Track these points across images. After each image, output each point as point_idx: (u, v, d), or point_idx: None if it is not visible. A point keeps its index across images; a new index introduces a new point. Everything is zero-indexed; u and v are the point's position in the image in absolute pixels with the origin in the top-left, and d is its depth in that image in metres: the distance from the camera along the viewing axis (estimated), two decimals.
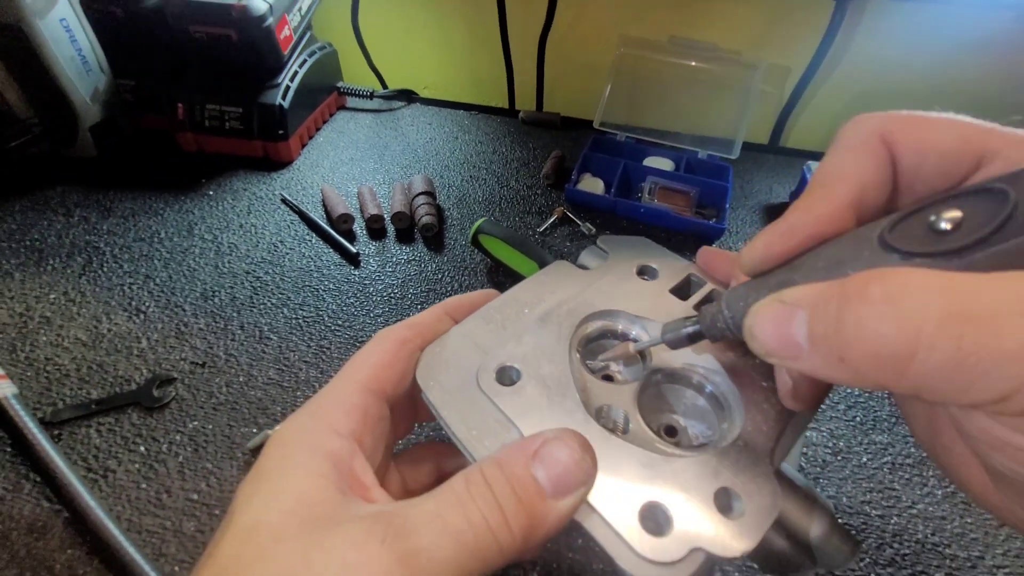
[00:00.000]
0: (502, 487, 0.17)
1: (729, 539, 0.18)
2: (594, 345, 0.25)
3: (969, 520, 0.37)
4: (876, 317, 0.12)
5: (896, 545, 0.35)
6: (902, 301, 0.12)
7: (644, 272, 0.27)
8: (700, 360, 0.23)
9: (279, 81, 0.64)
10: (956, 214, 0.14)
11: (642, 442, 0.20)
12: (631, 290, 0.25)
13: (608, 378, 0.24)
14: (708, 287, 0.25)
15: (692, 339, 0.21)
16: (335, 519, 0.16)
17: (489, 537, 0.16)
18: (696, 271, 0.26)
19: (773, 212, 0.63)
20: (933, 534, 0.36)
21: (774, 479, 0.19)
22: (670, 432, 0.23)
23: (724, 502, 0.19)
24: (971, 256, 0.13)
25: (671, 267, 0.27)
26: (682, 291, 0.26)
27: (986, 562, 0.35)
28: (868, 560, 0.34)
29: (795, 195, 0.64)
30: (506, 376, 0.21)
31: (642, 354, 0.24)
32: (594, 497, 0.18)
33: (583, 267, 0.27)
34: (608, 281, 0.26)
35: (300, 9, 0.66)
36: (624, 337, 0.25)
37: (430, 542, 0.15)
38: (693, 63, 0.68)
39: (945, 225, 0.14)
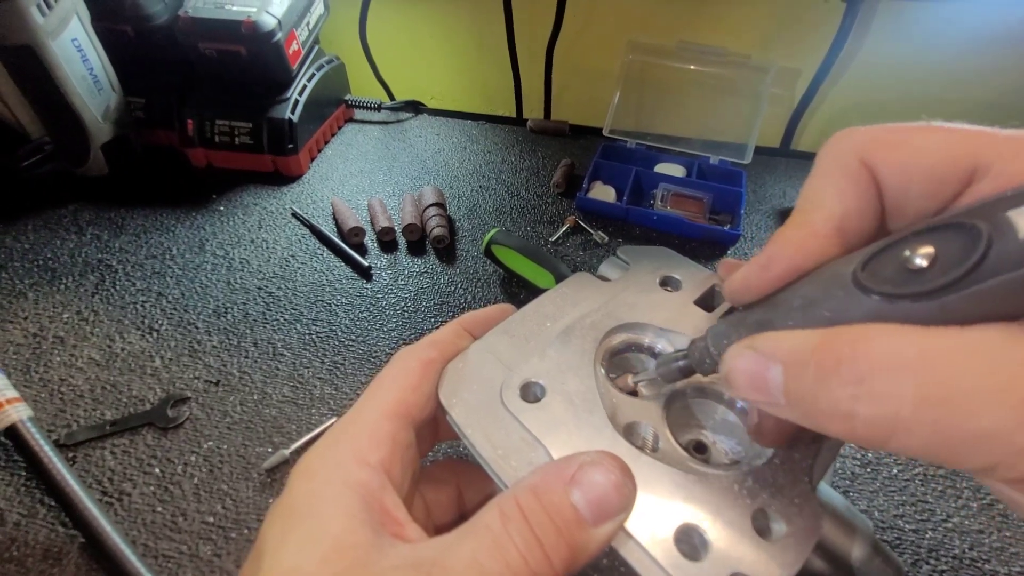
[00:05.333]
0: (540, 519, 0.16)
1: (769, 563, 0.17)
2: (619, 359, 0.24)
3: (1008, 534, 0.35)
4: (850, 399, 0.12)
5: (933, 561, 0.34)
6: (874, 384, 0.12)
7: (667, 283, 0.26)
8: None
9: (288, 95, 0.64)
10: (929, 250, 0.13)
11: (672, 460, 0.20)
12: (655, 302, 0.25)
13: (634, 393, 0.23)
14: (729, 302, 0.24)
15: (684, 373, 0.21)
16: (371, 567, 0.15)
17: (528, 574, 0.15)
18: (720, 282, 0.25)
19: (788, 216, 0.62)
20: (971, 548, 0.35)
21: (815, 499, 0.19)
22: (699, 448, 0.22)
23: (762, 524, 0.18)
24: (944, 298, 0.13)
25: (694, 277, 0.26)
26: (706, 302, 0.25)
27: None
28: None
29: None
30: (530, 392, 0.21)
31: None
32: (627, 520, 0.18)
33: (604, 278, 0.27)
34: (631, 293, 0.25)
35: (308, 24, 0.66)
36: (650, 351, 0.25)
37: None
38: (702, 68, 0.67)
39: (919, 262, 0.13)
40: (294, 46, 0.63)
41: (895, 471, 0.39)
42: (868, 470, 0.39)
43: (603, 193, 0.62)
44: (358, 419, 0.19)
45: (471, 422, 0.20)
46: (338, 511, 0.17)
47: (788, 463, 0.19)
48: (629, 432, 0.21)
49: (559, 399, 0.21)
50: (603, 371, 0.23)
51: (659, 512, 0.18)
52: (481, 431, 0.20)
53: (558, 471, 0.17)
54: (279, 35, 0.60)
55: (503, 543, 0.15)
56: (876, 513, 0.36)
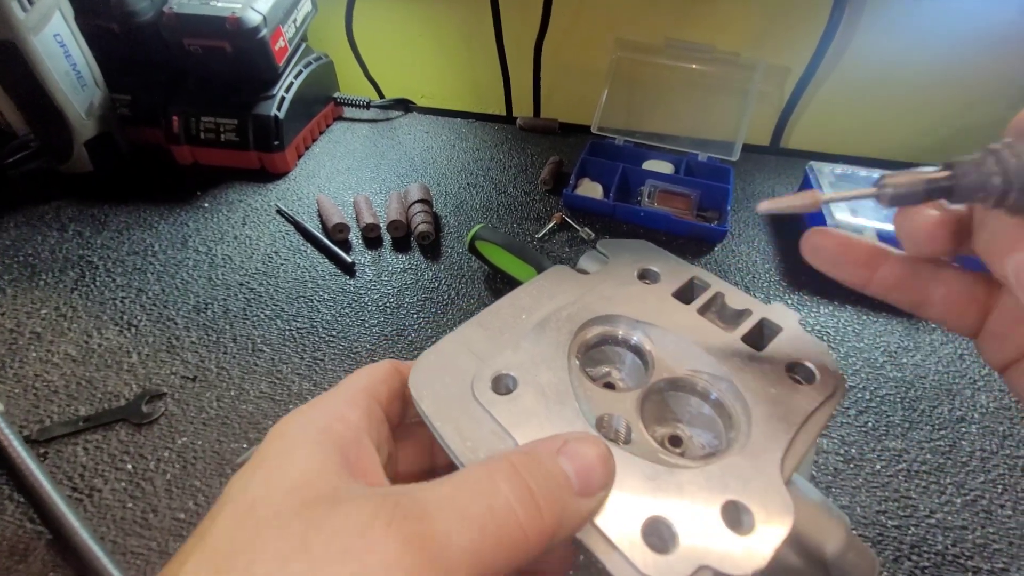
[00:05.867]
0: (534, 472, 0.15)
1: (739, 556, 0.16)
2: (595, 352, 0.24)
3: (992, 530, 0.35)
4: None
5: (915, 557, 0.34)
6: None
7: (646, 276, 0.26)
8: (705, 366, 0.22)
9: (274, 92, 0.63)
10: None
11: (645, 453, 0.19)
12: (632, 294, 0.25)
13: (610, 386, 0.23)
14: (712, 290, 0.25)
15: (933, 195, 0.17)
16: (337, 499, 0.14)
17: (515, 524, 0.14)
18: (699, 274, 0.25)
19: (776, 215, 0.61)
20: (954, 545, 0.34)
21: (785, 491, 0.18)
22: (674, 442, 0.21)
23: (733, 516, 0.17)
24: None
25: (673, 270, 0.26)
26: (685, 295, 0.25)
27: (1012, 574, 0.33)
28: (886, 574, 0.33)
29: None
30: (502, 385, 0.21)
31: (643, 359, 0.23)
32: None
33: (583, 271, 0.27)
34: (609, 286, 0.25)
35: (295, 21, 0.66)
36: (625, 343, 0.24)
37: (446, 526, 0.14)
38: (691, 65, 0.67)
39: None
40: (280, 43, 0.63)
41: (878, 467, 0.38)
42: (851, 466, 0.38)
43: (590, 190, 0.61)
44: (332, 393, 0.19)
45: (441, 413, 0.20)
46: (310, 453, 0.16)
47: (761, 455, 0.19)
48: (601, 424, 0.21)
49: (531, 391, 0.20)
50: (578, 363, 0.22)
51: (628, 505, 0.17)
52: (451, 423, 0.20)
53: (547, 442, 0.17)
54: (264, 31, 0.59)
55: (488, 488, 0.15)
56: (858, 509, 0.36)
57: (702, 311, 0.24)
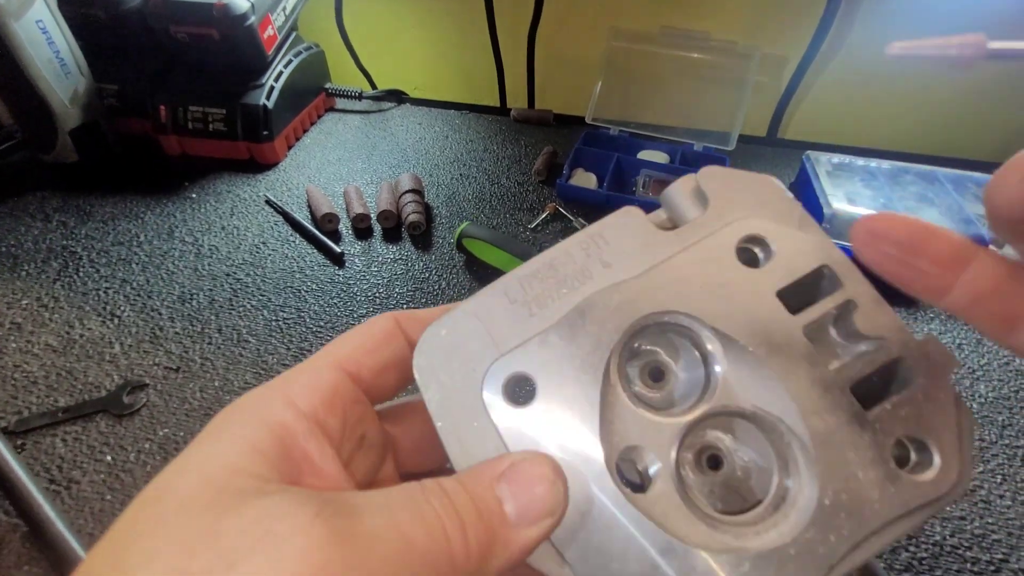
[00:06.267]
0: (462, 499, 0.14)
1: None
2: (644, 351, 0.18)
3: (990, 521, 0.34)
4: None
5: (912, 548, 0.33)
6: None
7: (751, 249, 0.18)
8: (781, 412, 0.16)
9: (263, 81, 0.62)
10: None
11: (665, 508, 0.16)
12: (720, 281, 0.17)
13: (657, 375, 0.18)
14: (842, 295, 0.17)
15: None
16: (261, 491, 0.13)
17: (442, 544, 0.13)
18: (833, 264, 0.17)
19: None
20: (952, 535, 0.33)
21: None
22: (713, 463, 0.17)
23: None
24: None
25: (797, 246, 0.17)
26: (798, 293, 0.17)
27: (1011, 565, 0.32)
28: (883, 564, 0.32)
29: (794, 188, 0.62)
30: (517, 389, 0.17)
31: (708, 375, 0.18)
32: (578, 559, 0.15)
33: (666, 225, 0.19)
34: (691, 258, 0.17)
35: (284, 9, 0.65)
36: (693, 342, 0.18)
37: (374, 529, 0.13)
38: (686, 54, 0.66)
39: None
40: (269, 31, 0.62)
41: None
42: None
43: (584, 180, 0.61)
44: (303, 367, 0.17)
45: (444, 412, 0.17)
46: (241, 442, 0.14)
47: (803, 557, 0.15)
48: (626, 457, 0.17)
49: (548, 408, 0.16)
50: (618, 371, 0.17)
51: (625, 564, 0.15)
52: (453, 426, 0.17)
53: (488, 466, 0.16)
54: (252, 18, 0.58)
55: (420, 503, 0.14)
56: None
57: (813, 330, 0.17)
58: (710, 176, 0.18)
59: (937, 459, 0.15)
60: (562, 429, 0.16)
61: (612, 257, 0.18)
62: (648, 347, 0.18)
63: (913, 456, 0.16)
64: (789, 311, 0.17)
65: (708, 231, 0.18)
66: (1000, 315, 0.14)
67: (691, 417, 0.17)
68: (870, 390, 0.16)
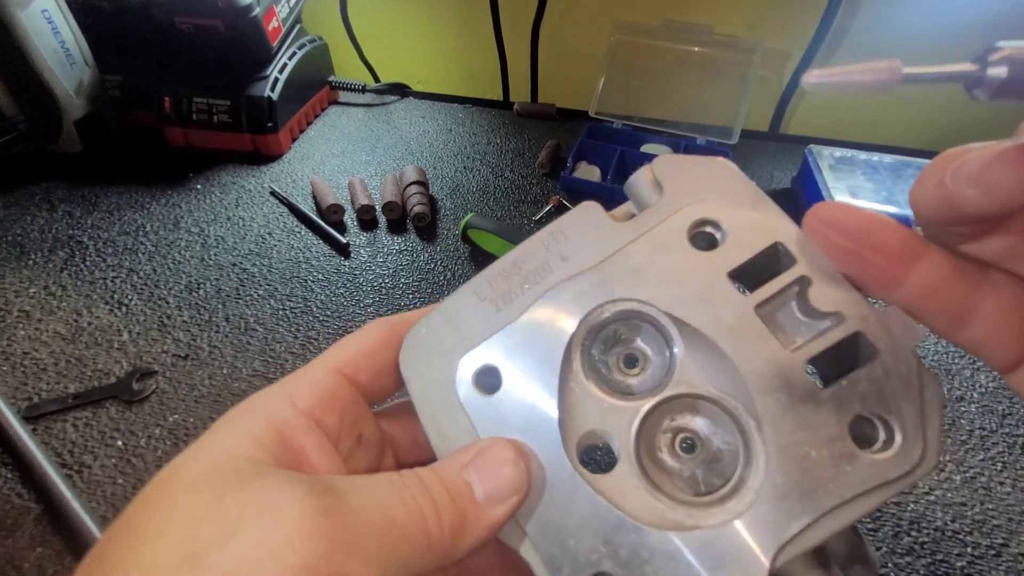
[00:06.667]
0: (435, 485, 0.16)
1: None
2: (607, 334, 0.19)
3: (991, 507, 0.35)
4: None
5: (914, 533, 0.33)
6: None
7: (704, 232, 0.18)
8: (735, 393, 0.17)
9: (267, 73, 0.63)
10: None
11: (624, 489, 0.17)
12: (672, 266, 0.17)
13: (632, 361, 0.19)
14: (796, 272, 0.16)
15: None
16: (259, 473, 0.14)
17: (419, 523, 0.15)
18: (787, 241, 0.17)
19: (776, 199, 0.61)
20: (953, 521, 0.34)
21: None
22: (687, 447, 0.18)
23: None
24: None
25: (748, 224, 0.17)
26: (752, 272, 0.17)
27: (1011, 550, 0.33)
28: (885, 549, 0.32)
29: (796, 181, 0.62)
30: (486, 381, 0.18)
31: (670, 357, 0.18)
32: (538, 534, 0.17)
33: (618, 216, 0.19)
34: (644, 246, 0.18)
35: (288, 1, 0.65)
36: (654, 325, 0.18)
37: (360, 505, 0.14)
38: (689, 48, 0.66)
39: None
40: (274, 23, 0.62)
41: None
42: None
43: (588, 173, 0.61)
44: (304, 370, 0.19)
45: (424, 404, 0.19)
46: (242, 433, 0.16)
47: (754, 533, 0.15)
48: (587, 440, 0.18)
49: (512, 396, 0.18)
50: (581, 357, 0.18)
51: (575, 550, 0.16)
52: (432, 415, 0.18)
53: (457, 456, 0.17)
54: (257, 10, 0.58)
55: (399, 486, 0.15)
56: None
57: (771, 309, 0.17)
58: (664, 164, 0.18)
59: (899, 436, 0.15)
60: (526, 414, 0.17)
61: (570, 251, 0.18)
62: (625, 334, 0.19)
63: (877, 434, 0.15)
64: (749, 290, 0.17)
65: (661, 217, 0.18)
66: (948, 312, 0.14)
67: (651, 402, 0.17)
68: (841, 368, 0.16)
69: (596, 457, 0.18)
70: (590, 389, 0.18)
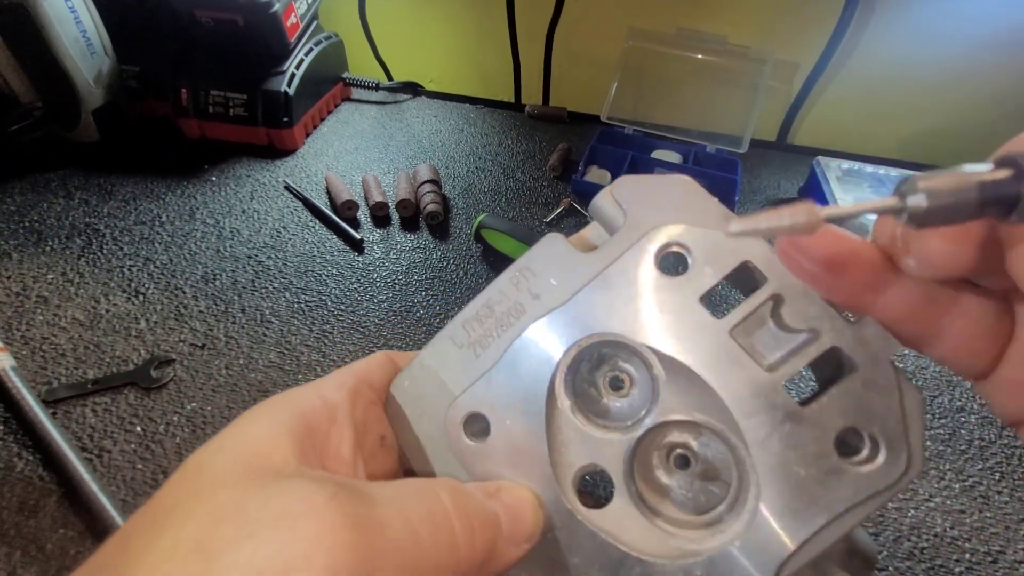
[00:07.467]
0: (474, 503, 0.16)
1: None
2: (592, 357, 0.19)
3: (989, 515, 0.36)
4: None
5: (914, 538, 0.34)
6: None
7: (670, 256, 0.17)
8: (718, 419, 0.17)
9: (284, 68, 0.63)
10: None
11: (622, 520, 0.17)
12: (645, 294, 0.17)
13: (618, 384, 0.19)
14: (768, 290, 0.16)
15: (990, 207, 0.12)
16: (283, 472, 0.14)
17: (448, 540, 0.14)
18: (756, 260, 0.16)
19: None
20: (952, 528, 0.35)
21: None
22: (682, 463, 0.18)
23: None
24: None
25: (715, 245, 0.17)
26: (733, 283, 0.18)
27: (1007, 556, 0.33)
28: (886, 553, 0.33)
29: (803, 192, 0.63)
30: (475, 427, 0.18)
31: (653, 384, 0.18)
32: (545, 574, 0.17)
33: (582, 247, 0.19)
34: (613, 278, 0.18)
35: None
36: (634, 356, 0.18)
37: (386, 516, 0.14)
38: (701, 56, 0.67)
39: None
40: (292, 18, 0.63)
41: None
42: None
43: (599, 177, 0.62)
44: (324, 377, 0.19)
45: (416, 454, 0.19)
46: (269, 423, 0.16)
47: (755, 556, 0.16)
48: (583, 476, 0.18)
49: (502, 440, 0.18)
50: (566, 396, 0.18)
51: None
52: (424, 465, 0.19)
53: (480, 486, 0.17)
54: (277, 6, 0.59)
55: (430, 496, 0.15)
56: None
57: (746, 330, 0.17)
58: (624, 187, 0.18)
59: (883, 447, 0.15)
60: (518, 457, 0.18)
61: (540, 288, 0.18)
62: (610, 353, 0.19)
63: (863, 445, 0.15)
64: (744, 294, 0.17)
65: (626, 245, 0.18)
66: (915, 333, 0.14)
67: (638, 433, 0.17)
68: (822, 378, 0.17)
69: (591, 485, 0.19)
70: (578, 425, 0.18)
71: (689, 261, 0.17)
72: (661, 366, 0.17)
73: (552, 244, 0.19)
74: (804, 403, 0.16)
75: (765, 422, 0.16)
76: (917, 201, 0.12)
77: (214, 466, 0.15)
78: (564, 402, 0.18)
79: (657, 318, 0.17)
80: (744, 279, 0.17)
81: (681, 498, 0.18)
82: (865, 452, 0.15)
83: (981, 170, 0.12)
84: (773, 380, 0.16)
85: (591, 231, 0.20)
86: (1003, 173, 0.11)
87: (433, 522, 0.14)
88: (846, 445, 0.16)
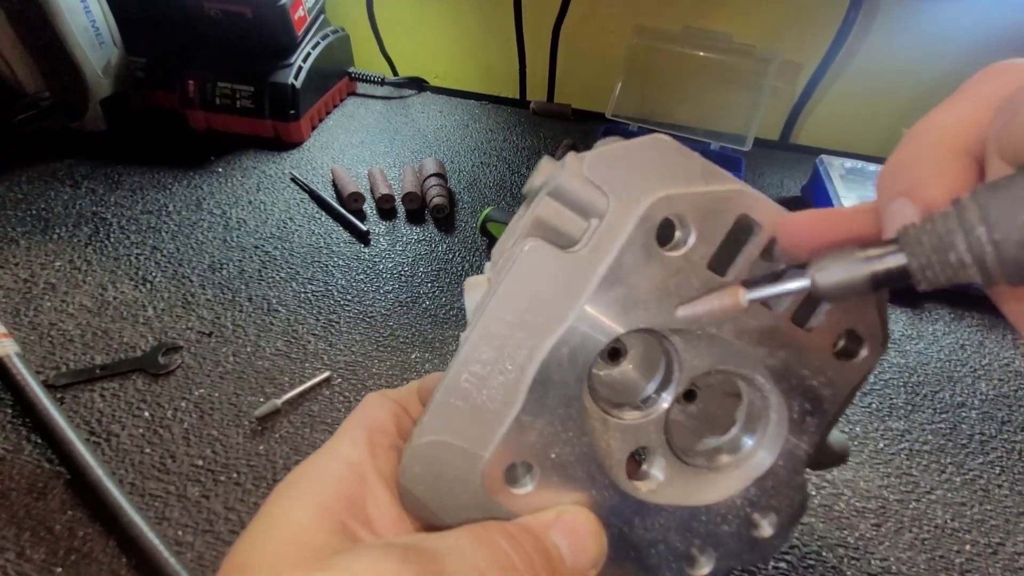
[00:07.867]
0: (529, 541, 0.16)
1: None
2: (603, 370, 0.21)
3: (989, 507, 0.36)
4: None
5: (915, 529, 0.35)
6: None
7: (671, 232, 0.17)
8: (735, 363, 0.18)
9: (291, 61, 0.63)
10: None
11: (676, 483, 0.19)
12: (652, 282, 0.17)
13: (628, 394, 0.20)
14: (764, 235, 0.17)
15: (881, 284, 0.13)
16: (340, 548, 0.14)
17: None
18: (748, 210, 0.17)
19: (786, 206, 0.62)
20: (952, 519, 0.35)
21: (804, 490, 0.20)
22: (689, 395, 0.21)
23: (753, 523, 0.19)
24: None
25: (708, 205, 0.17)
26: (732, 250, 0.17)
27: (1007, 548, 0.34)
28: (887, 544, 0.34)
29: (807, 189, 0.64)
30: (518, 476, 0.18)
31: (669, 360, 0.19)
32: (623, 560, 0.18)
33: (564, 246, 0.17)
34: (615, 272, 0.17)
35: None
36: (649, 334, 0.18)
37: (456, 569, 0.14)
38: (707, 54, 0.67)
39: None
40: (300, 12, 0.63)
41: (881, 445, 0.39)
42: (855, 443, 0.39)
43: None
44: (334, 436, 0.19)
45: (459, 519, 0.17)
46: (310, 501, 0.16)
47: (790, 455, 0.19)
48: (633, 461, 0.19)
49: (553, 474, 0.17)
50: (590, 400, 0.18)
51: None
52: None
53: (536, 517, 0.17)
54: None
55: (490, 543, 0.15)
56: (862, 483, 0.37)
57: (751, 280, 0.17)
58: (597, 165, 0.17)
59: (865, 341, 0.18)
60: (571, 483, 0.17)
61: (538, 313, 0.17)
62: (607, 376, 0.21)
63: (845, 343, 0.18)
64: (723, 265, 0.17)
65: (622, 231, 0.16)
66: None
67: (664, 407, 0.19)
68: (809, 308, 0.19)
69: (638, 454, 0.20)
70: (611, 421, 0.18)
71: (686, 232, 0.17)
72: (681, 340, 0.18)
73: (537, 255, 0.17)
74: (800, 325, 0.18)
75: (781, 355, 0.18)
76: (818, 286, 0.14)
77: (264, 554, 0.14)
78: (594, 408, 0.18)
79: (672, 298, 0.17)
80: (743, 230, 0.17)
81: (700, 424, 0.21)
82: (853, 347, 0.19)
83: (875, 252, 0.13)
84: (780, 318, 0.18)
85: (556, 217, 0.17)
86: (893, 259, 0.13)
87: (498, 566, 0.15)
88: (839, 349, 0.19)
